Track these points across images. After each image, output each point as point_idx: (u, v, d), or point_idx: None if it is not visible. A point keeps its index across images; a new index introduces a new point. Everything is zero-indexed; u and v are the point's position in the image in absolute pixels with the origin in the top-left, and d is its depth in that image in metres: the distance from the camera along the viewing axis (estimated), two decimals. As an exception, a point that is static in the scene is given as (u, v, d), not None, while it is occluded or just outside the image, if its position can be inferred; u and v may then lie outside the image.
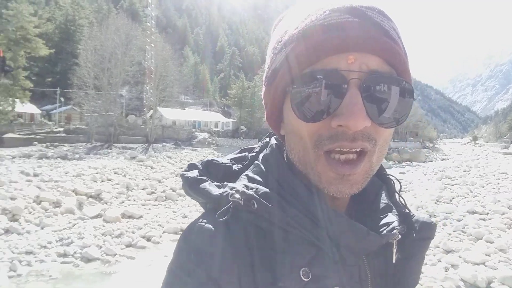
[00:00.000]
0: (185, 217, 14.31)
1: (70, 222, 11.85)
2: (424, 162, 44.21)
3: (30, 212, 11.95)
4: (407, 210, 0.65)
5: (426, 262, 8.55)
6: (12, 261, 8.45)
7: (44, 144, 29.00)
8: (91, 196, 15.21)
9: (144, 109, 44.27)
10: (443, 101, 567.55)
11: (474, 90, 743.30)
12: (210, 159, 0.68)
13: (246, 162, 0.68)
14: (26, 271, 8.29)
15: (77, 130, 34.93)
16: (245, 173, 0.63)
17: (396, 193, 0.68)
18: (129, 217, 13.48)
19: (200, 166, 0.65)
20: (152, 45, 44.11)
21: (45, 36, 46.20)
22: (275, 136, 0.68)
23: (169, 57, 45.82)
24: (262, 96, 0.64)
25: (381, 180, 0.68)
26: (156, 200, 16.62)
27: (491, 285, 7.90)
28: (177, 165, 27.33)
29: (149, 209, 15.17)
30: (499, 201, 17.14)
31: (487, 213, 14.81)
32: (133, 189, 17.66)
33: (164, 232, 12.41)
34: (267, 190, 0.56)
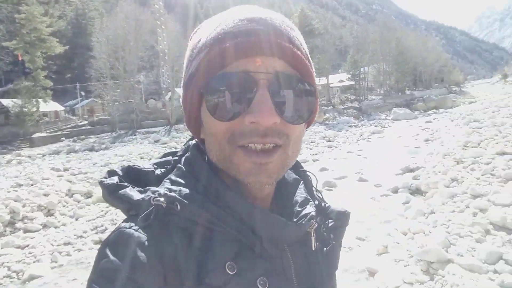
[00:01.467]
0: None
1: (102, 211, 12.29)
2: (451, 107, 42.83)
3: (64, 206, 12.48)
4: (323, 203, 0.71)
5: (455, 209, 8.43)
6: (53, 253, 8.91)
7: (71, 139, 30.10)
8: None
9: (163, 92, 44.61)
10: (469, 41, 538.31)
11: (502, 24, 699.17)
12: (130, 164, 0.68)
13: (169, 167, 0.69)
14: (66, 260, 8.74)
15: (101, 121, 35.89)
16: (168, 177, 0.64)
17: (313, 187, 0.74)
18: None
19: (120, 173, 0.65)
20: (163, 26, 43.79)
21: (59, 33, 47.06)
22: (195, 140, 0.70)
23: (181, 37, 45.53)
24: (181, 102, 0.66)
25: (299, 176, 0.74)
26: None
27: (522, 225, 7.72)
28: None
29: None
30: (531, 139, 16.46)
31: (518, 153, 14.30)
32: (160, 172, 18.13)
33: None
34: (190, 191, 0.58)
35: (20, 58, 40.75)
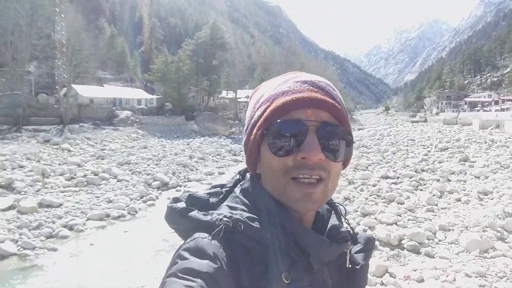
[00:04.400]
0: (110, 201, 13.68)
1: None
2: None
3: None
4: (351, 230, 0.84)
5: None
6: None
7: None
8: (0, 186, 13.79)
9: (57, 87, 40.25)
10: (360, 74, 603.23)
11: (387, 63, 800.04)
12: (191, 193, 0.82)
13: (221, 196, 0.83)
14: None
15: (-23, 113, 30.95)
16: (225, 204, 0.78)
17: (342, 216, 0.87)
18: (47, 206, 12.49)
19: (183, 199, 0.80)
20: (62, 15, 39.99)
21: None
22: (248, 173, 0.84)
23: (82, 29, 42.16)
24: (243, 144, 0.83)
25: (331, 207, 0.88)
26: (76, 186, 15.56)
27: (402, 241, 8.84)
28: (98, 146, 25.70)
29: (69, 196, 14.18)
30: (408, 166, 19.01)
31: (398, 177, 16.38)
32: (49, 175, 16.33)
33: (88, 220, 11.81)
34: (250, 214, 0.71)
35: None
